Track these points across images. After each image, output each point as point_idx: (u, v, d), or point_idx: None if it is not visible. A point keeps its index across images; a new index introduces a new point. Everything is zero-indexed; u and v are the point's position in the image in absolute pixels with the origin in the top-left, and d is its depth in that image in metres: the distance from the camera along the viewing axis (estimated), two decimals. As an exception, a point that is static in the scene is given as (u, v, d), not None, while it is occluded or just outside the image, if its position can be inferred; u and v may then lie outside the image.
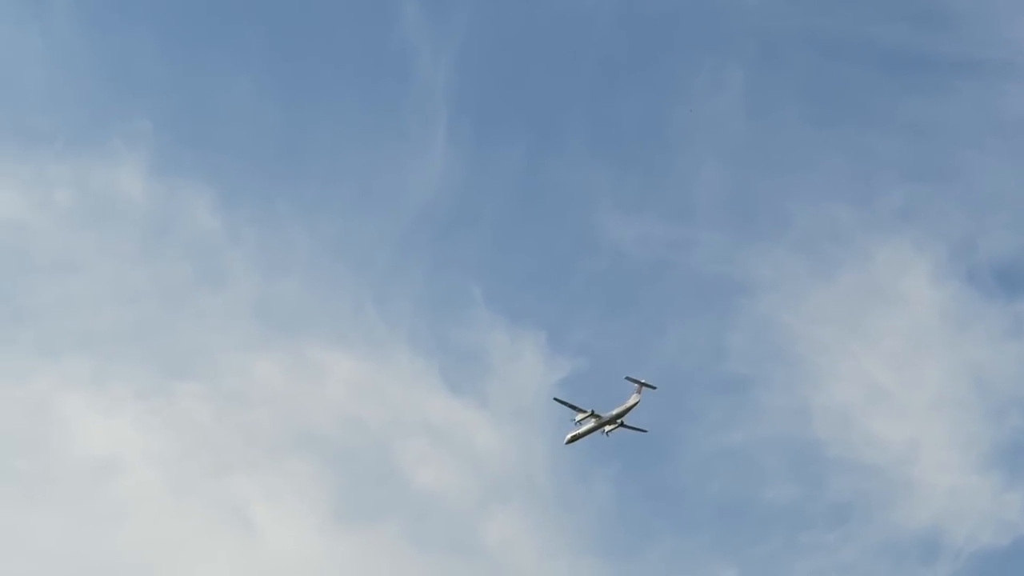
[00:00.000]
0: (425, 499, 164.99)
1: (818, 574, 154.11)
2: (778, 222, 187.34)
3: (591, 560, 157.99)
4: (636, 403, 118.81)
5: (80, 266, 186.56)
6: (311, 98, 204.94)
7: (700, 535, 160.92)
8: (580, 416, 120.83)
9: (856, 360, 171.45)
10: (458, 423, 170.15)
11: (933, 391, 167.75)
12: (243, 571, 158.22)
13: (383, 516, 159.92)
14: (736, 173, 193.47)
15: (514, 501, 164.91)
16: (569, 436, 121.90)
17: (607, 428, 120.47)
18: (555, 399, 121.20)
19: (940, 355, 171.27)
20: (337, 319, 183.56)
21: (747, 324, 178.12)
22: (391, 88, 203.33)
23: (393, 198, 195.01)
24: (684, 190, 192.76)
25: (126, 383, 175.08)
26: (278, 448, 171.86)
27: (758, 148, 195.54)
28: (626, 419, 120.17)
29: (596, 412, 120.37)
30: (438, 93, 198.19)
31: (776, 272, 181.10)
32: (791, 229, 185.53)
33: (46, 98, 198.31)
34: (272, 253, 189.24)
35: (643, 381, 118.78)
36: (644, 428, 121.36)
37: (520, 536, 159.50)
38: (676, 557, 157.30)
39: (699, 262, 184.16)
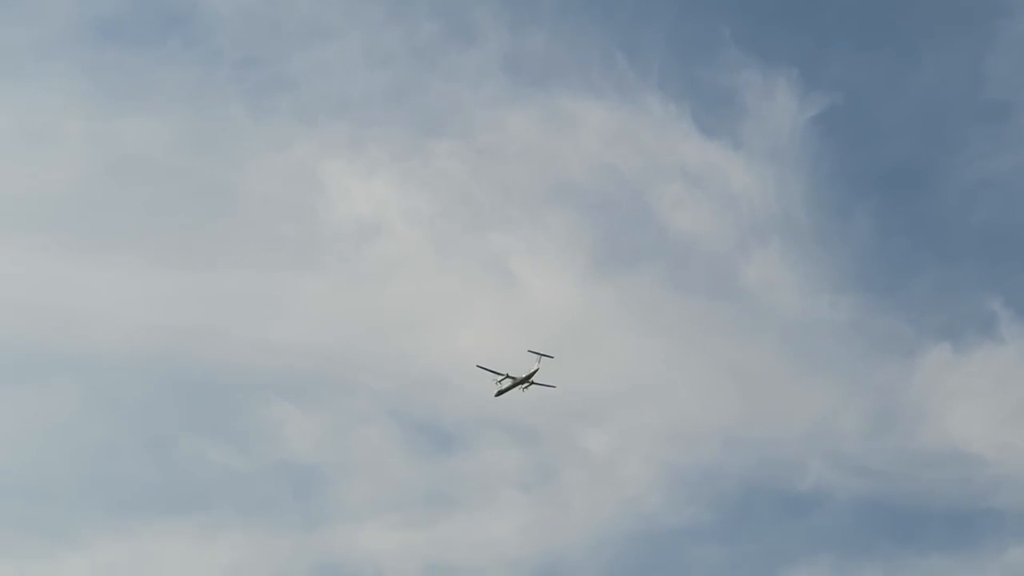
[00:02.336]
0: (683, 243, 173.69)
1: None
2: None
3: (852, 296, 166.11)
4: (537, 369, 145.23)
5: (331, 32, 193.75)
6: None
7: (964, 266, 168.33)
8: (500, 378, 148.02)
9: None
10: (713, 166, 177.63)
11: None
12: (506, 323, 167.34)
13: (641, 263, 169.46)
14: None
15: (772, 241, 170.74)
16: (496, 392, 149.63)
17: (523, 386, 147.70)
18: (477, 366, 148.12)
19: None
20: (587, 69, 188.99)
21: (1007, 47, 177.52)
22: None
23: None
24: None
25: (382, 145, 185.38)
26: (535, 201, 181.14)
27: None
28: (535, 379, 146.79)
29: (511, 375, 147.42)
30: None
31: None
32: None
33: None
34: (519, 6, 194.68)
35: (542, 353, 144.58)
36: (553, 384, 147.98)
37: (779, 275, 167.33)
38: (940, 289, 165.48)
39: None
